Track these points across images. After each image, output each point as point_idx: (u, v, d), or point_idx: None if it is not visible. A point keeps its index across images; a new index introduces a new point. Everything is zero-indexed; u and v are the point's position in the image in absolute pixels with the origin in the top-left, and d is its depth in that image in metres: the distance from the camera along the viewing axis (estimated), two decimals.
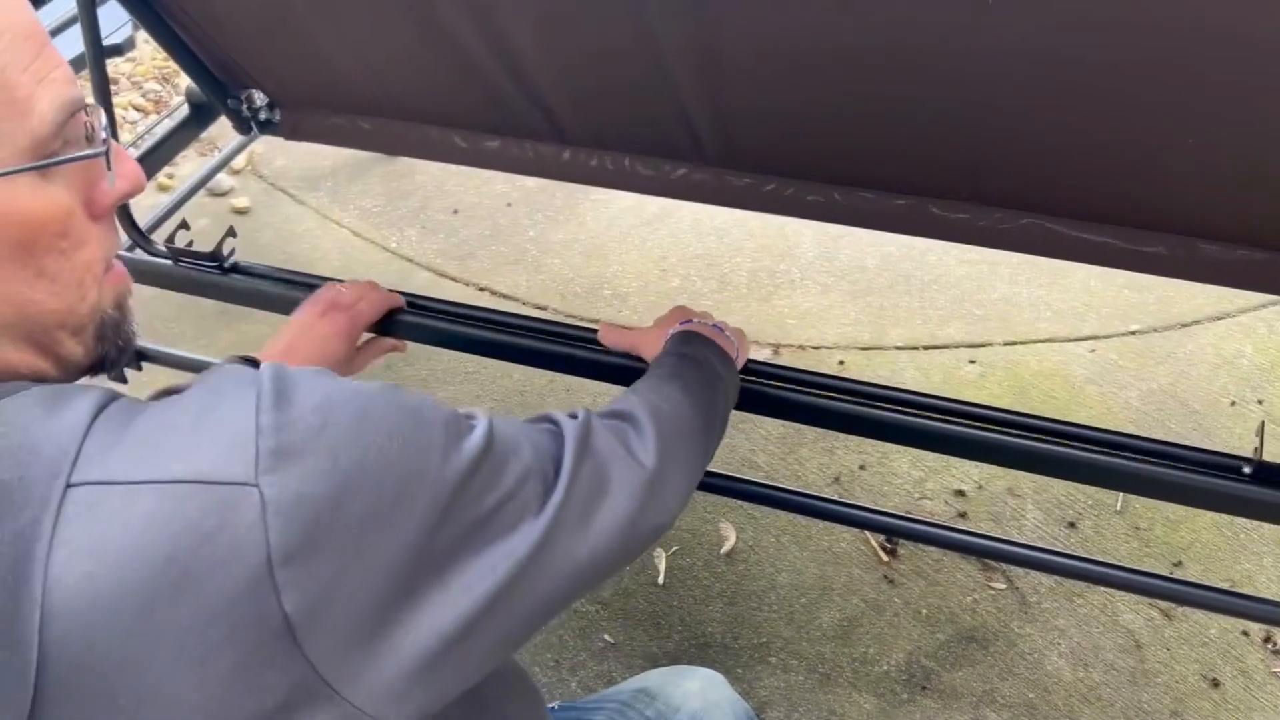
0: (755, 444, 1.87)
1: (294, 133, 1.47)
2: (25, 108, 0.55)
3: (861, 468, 1.80)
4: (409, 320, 1.24)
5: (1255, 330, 1.96)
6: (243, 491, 0.51)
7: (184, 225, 1.30)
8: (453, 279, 2.22)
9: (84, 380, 0.61)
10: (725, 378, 0.98)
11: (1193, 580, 1.56)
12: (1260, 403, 1.83)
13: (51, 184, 0.57)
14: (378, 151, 2.41)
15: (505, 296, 2.17)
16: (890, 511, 1.66)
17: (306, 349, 1.11)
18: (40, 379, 0.59)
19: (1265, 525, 1.66)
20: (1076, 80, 0.91)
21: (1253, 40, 0.81)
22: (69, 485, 0.49)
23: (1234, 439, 1.76)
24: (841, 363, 2.00)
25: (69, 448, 0.50)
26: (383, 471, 0.55)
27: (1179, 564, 1.61)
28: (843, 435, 1.85)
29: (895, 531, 1.62)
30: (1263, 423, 1.12)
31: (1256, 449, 1.06)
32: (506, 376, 2.00)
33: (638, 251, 2.26)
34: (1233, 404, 1.83)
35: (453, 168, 2.52)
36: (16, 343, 0.58)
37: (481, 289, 2.19)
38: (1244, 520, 1.66)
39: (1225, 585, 1.58)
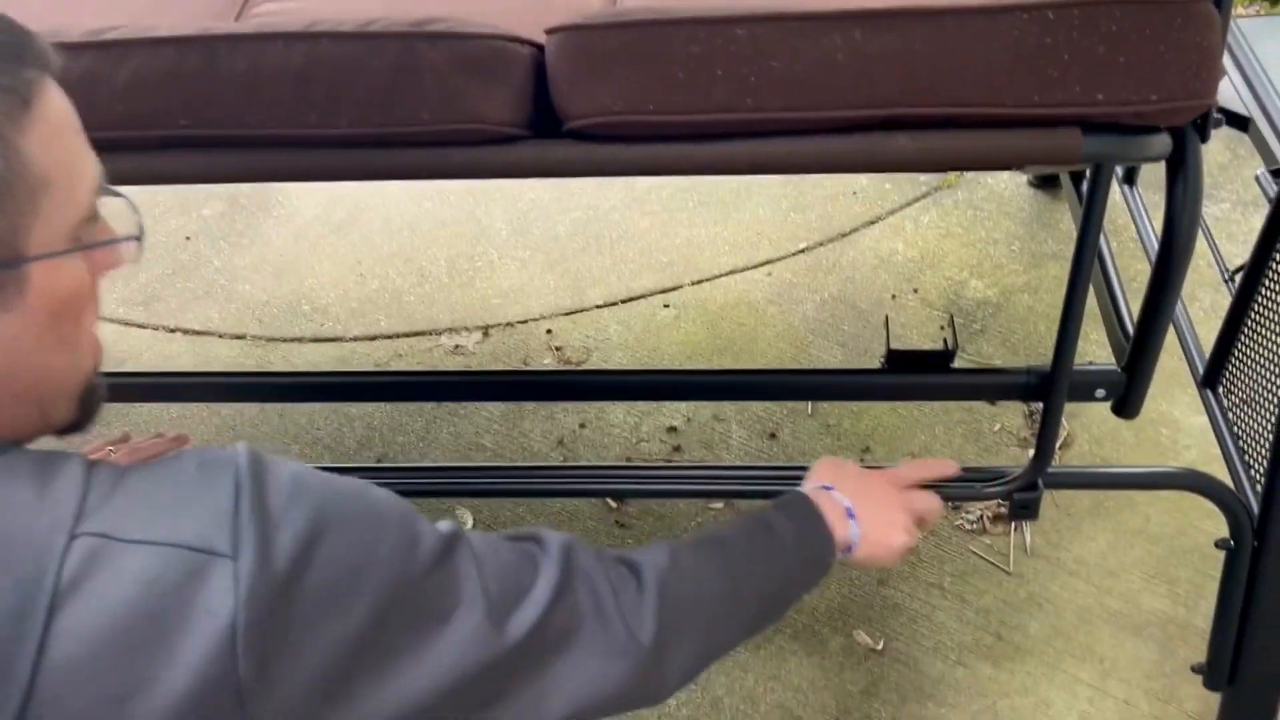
0: (479, 426, 1.91)
1: None
2: (76, 195, 0.60)
3: (582, 425, 1.88)
4: None
5: (904, 228, 2.18)
6: (221, 561, 0.55)
7: None
8: (140, 326, 2.12)
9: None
10: (794, 554, 0.92)
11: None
12: (915, 291, 2.04)
13: (77, 259, 0.61)
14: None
15: (199, 333, 2.10)
16: (609, 465, 1.77)
17: None
18: (14, 441, 0.61)
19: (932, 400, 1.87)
20: None
21: None
22: (72, 536, 0.54)
23: (897, 328, 1.96)
24: (549, 331, 2.08)
25: (69, 503, 0.55)
26: (342, 555, 0.60)
27: (867, 449, 1.79)
28: (561, 402, 1.93)
29: (614, 493, 1.71)
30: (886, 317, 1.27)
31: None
32: (215, 415, 1.94)
33: (330, 261, 2.24)
34: (893, 297, 2.04)
35: (116, 212, 2.39)
36: (28, 407, 0.61)
37: (172, 330, 2.11)
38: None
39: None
